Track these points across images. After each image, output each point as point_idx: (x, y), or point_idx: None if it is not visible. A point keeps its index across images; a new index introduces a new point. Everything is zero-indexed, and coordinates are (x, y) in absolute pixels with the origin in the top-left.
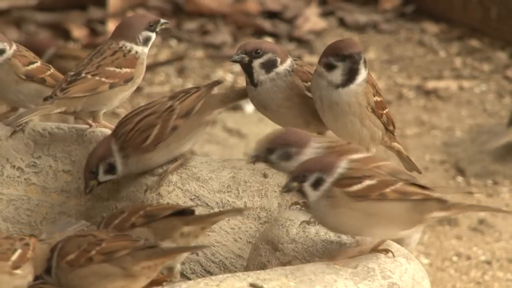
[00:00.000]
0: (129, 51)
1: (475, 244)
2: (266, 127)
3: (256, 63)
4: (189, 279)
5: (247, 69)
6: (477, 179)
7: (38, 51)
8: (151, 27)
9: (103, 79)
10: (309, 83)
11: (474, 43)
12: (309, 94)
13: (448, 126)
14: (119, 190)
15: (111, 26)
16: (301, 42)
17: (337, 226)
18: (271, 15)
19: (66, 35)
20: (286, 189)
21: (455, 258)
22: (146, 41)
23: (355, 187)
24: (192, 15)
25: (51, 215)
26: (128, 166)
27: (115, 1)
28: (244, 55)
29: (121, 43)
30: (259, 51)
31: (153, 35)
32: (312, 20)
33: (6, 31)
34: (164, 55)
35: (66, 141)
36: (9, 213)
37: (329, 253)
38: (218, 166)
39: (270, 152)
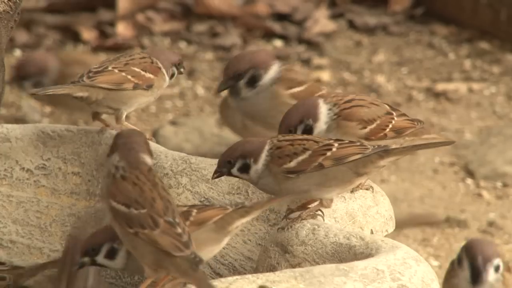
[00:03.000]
0: (157, 64)
1: None
2: None
3: (241, 84)
4: None
5: (233, 92)
6: (486, 181)
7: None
8: (178, 65)
9: (129, 76)
10: (294, 89)
11: (484, 45)
12: (293, 102)
13: (458, 128)
14: None
15: (121, 28)
16: (311, 44)
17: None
18: (281, 17)
19: (75, 37)
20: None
21: None
22: (172, 75)
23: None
24: (201, 17)
25: (61, 217)
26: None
27: (125, 3)
28: (228, 81)
29: (157, 61)
30: (240, 73)
31: (175, 73)
32: (321, 22)
33: (15, 33)
34: None
35: (76, 143)
36: (18, 215)
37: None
38: None
39: (231, 165)
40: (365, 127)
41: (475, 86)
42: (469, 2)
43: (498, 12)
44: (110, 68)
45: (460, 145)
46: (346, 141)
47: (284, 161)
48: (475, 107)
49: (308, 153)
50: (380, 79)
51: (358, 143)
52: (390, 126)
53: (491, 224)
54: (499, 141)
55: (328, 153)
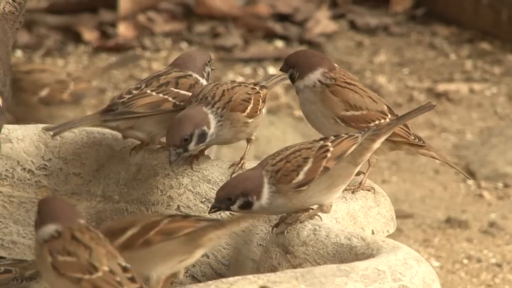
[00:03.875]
0: (196, 82)
1: (485, 247)
2: (276, 130)
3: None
4: (199, 281)
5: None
6: (487, 181)
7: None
8: (209, 63)
9: (167, 97)
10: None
11: (485, 46)
12: None
13: (459, 129)
14: (130, 193)
15: (122, 28)
16: (312, 44)
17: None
18: (282, 17)
19: (76, 38)
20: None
21: (465, 261)
22: (208, 75)
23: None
24: (203, 17)
25: None
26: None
27: (126, 4)
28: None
29: (188, 72)
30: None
31: (209, 72)
32: (322, 23)
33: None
34: (174, 58)
35: (77, 143)
36: (19, 216)
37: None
38: (229, 169)
39: (231, 203)
40: (347, 110)
41: (476, 86)
42: (470, 3)
43: (499, 12)
44: (147, 91)
45: (461, 146)
46: (334, 138)
47: (292, 177)
48: (476, 107)
49: (310, 160)
50: (381, 79)
51: (346, 135)
52: (377, 123)
53: (492, 224)
54: (500, 141)
55: (329, 154)
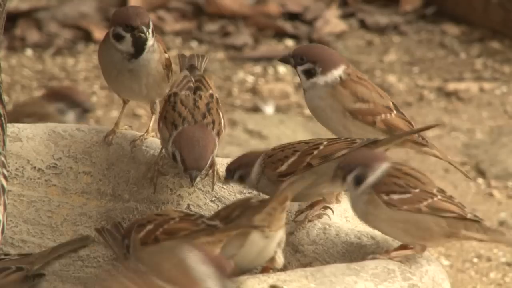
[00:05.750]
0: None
1: (495, 246)
2: (286, 129)
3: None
4: None
5: None
6: (497, 180)
7: None
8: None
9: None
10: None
11: (495, 45)
12: None
13: (469, 127)
14: (140, 191)
15: None
16: (322, 43)
17: (376, 227)
18: (292, 16)
19: (87, 36)
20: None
21: (475, 260)
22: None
23: (394, 196)
24: (213, 16)
25: (72, 217)
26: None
27: (136, 3)
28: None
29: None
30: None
31: None
32: (332, 21)
33: (26, 33)
34: None
35: (87, 142)
36: (29, 215)
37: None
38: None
39: (231, 175)
40: (355, 102)
41: (486, 85)
42: (480, 2)
43: (509, 11)
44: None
45: (471, 145)
46: (336, 138)
47: (277, 165)
48: (486, 106)
49: (297, 154)
50: (391, 78)
51: (346, 139)
52: (383, 117)
53: (502, 223)
54: (510, 140)
55: (315, 152)
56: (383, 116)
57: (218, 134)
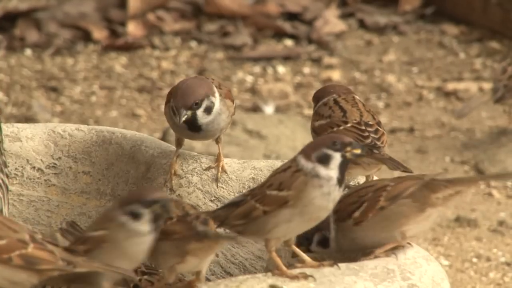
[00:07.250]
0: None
1: (495, 246)
2: (285, 129)
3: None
4: (209, 280)
5: None
6: (497, 180)
7: None
8: None
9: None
10: None
11: (494, 44)
12: None
13: (468, 127)
14: None
15: (131, 27)
16: (321, 43)
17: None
18: (291, 16)
19: (86, 36)
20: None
21: (475, 260)
22: None
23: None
24: (212, 16)
25: (71, 216)
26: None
27: (135, 3)
28: None
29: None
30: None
31: None
32: (332, 21)
33: (26, 33)
34: (184, 57)
35: (86, 142)
36: (29, 214)
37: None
38: (238, 167)
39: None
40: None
41: (486, 85)
42: (479, 2)
43: (508, 11)
44: None
45: (471, 145)
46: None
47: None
48: (485, 106)
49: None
50: (391, 78)
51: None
52: (335, 129)
53: (501, 223)
54: (509, 140)
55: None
56: (334, 129)
57: (220, 87)
